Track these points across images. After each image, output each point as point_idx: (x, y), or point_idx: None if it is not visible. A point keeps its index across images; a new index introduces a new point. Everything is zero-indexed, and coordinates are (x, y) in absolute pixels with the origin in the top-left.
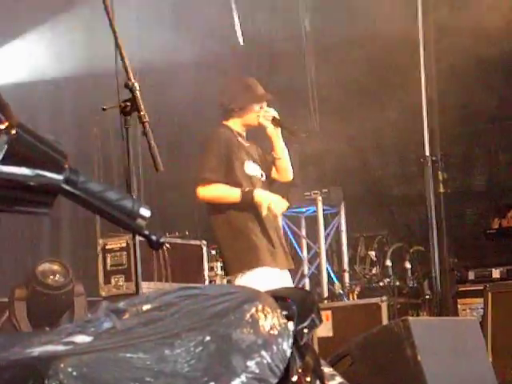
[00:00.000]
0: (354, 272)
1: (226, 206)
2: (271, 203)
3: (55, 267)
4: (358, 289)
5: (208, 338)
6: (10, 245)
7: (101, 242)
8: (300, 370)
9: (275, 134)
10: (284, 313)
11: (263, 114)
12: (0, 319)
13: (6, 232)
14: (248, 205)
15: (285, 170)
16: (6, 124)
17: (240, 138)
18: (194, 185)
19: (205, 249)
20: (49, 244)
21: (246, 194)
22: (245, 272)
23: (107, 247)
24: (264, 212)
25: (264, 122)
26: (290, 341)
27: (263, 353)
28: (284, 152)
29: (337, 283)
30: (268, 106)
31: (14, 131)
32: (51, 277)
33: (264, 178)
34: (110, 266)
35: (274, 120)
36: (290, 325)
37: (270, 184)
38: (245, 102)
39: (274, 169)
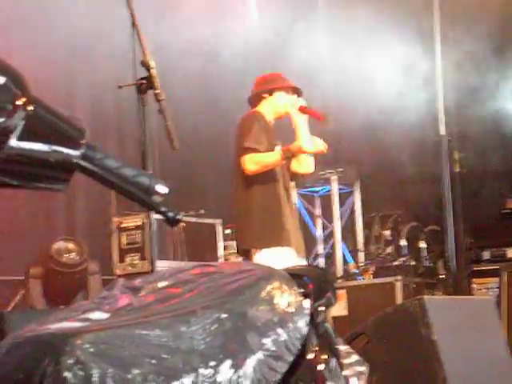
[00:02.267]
0: (368, 251)
1: (264, 185)
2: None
3: (70, 245)
4: (372, 268)
5: (224, 316)
6: (25, 223)
7: (116, 220)
8: (316, 348)
9: (300, 123)
10: (300, 290)
11: (291, 103)
12: (15, 297)
13: (21, 210)
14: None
15: (306, 161)
16: (24, 100)
17: (270, 121)
18: (238, 156)
19: (219, 228)
20: (64, 222)
21: (286, 151)
22: (271, 247)
23: (122, 226)
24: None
25: (290, 110)
26: (307, 318)
27: (279, 330)
28: (308, 143)
29: (352, 262)
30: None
31: (30, 107)
32: (66, 255)
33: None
34: (125, 244)
35: (300, 108)
36: (307, 302)
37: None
38: (273, 88)
39: (293, 161)
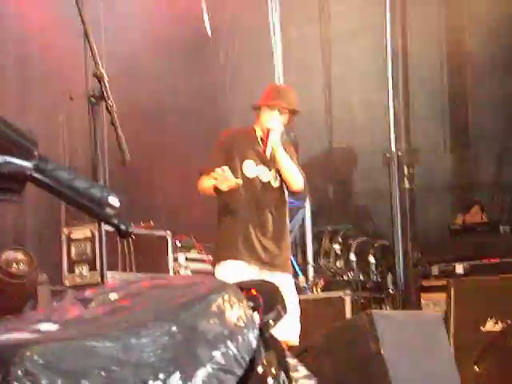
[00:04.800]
0: (318, 265)
1: (221, 202)
2: (218, 176)
3: (19, 256)
4: (322, 282)
5: (174, 328)
6: None
7: (65, 231)
8: (265, 362)
9: (271, 139)
10: (250, 304)
11: (268, 119)
12: None
13: None
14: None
15: (287, 180)
16: None
17: (259, 140)
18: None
19: (169, 239)
20: (12, 232)
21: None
22: (219, 263)
23: (72, 236)
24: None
25: (265, 128)
26: (256, 332)
27: (229, 343)
28: (282, 162)
29: (301, 276)
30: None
31: None
32: (15, 265)
33: (277, 184)
34: (74, 255)
35: (267, 130)
36: (256, 316)
37: (287, 192)
38: (257, 104)
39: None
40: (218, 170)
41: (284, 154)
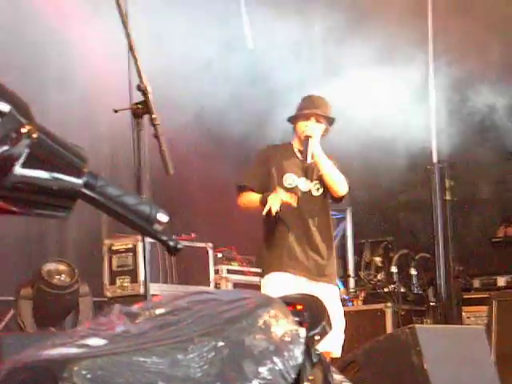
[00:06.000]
0: (359, 278)
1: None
2: (272, 200)
3: (61, 267)
4: (362, 294)
5: (221, 344)
6: (17, 243)
7: (107, 242)
8: (311, 377)
9: (311, 145)
10: (296, 319)
11: (303, 131)
12: (5, 317)
13: (12, 231)
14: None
15: (331, 186)
16: (28, 127)
17: (298, 154)
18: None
19: (211, 251)
20: (55, 244)
21: (264, 197)
22: (265, 276)
23: (113, 248)
24: (264, 211)
25: (302, 137)
26: (302, 347)
27: (275, 359)
28: (324, 167)
29: (342, 288)
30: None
31: (35, 135)
32: (57, 276)
33: (318, 193)
34: (116, 266)
35: (305, 137)
36: (302, 331)
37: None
38: (292, 119)
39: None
40: (272, 196)
41: (325, 159)
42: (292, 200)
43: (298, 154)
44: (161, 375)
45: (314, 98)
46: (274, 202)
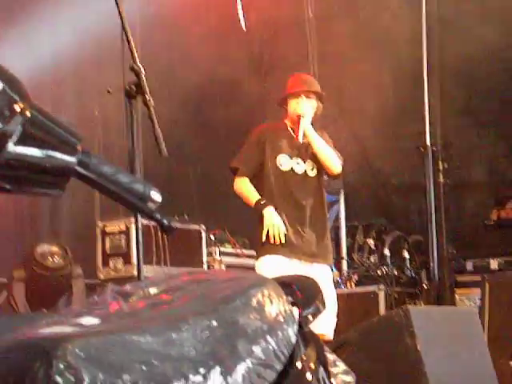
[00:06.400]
0: (352, 260)
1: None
2: (270, 226)
3: (54, 249)
4: (355, 277)
5: (214, 323)
6: (9, 225)
7: (100, 224)
8: (304, 357)
9: (302, 124)
10: (289, 299)
11: (294, 108)
12: None
13: (5, 212)
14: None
15: (325, 163)
16: (22, 105)
17: (291, 132)
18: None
19: (204, 234)
20: (48, 226)
21: (258, 206)
22: (259, 258)
23: (106, 230)
24: (263, 233)
25: (294, 116)
26: (295, 327)
27: (269, 338)
28: (316, 146)
29: (335, 271)
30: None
31: (28, 113)
32: (50, 258)
33: (313, 174)
34: (109, 248)
35: (297, 116)
36: (295, 311)
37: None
38: (282, 98)
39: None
40: (270, 223)
41: (318, 137)
42: (282, 236)
43: (291, 132)
44: (154, 354)
45: (302, 75)
46: (271, 227)
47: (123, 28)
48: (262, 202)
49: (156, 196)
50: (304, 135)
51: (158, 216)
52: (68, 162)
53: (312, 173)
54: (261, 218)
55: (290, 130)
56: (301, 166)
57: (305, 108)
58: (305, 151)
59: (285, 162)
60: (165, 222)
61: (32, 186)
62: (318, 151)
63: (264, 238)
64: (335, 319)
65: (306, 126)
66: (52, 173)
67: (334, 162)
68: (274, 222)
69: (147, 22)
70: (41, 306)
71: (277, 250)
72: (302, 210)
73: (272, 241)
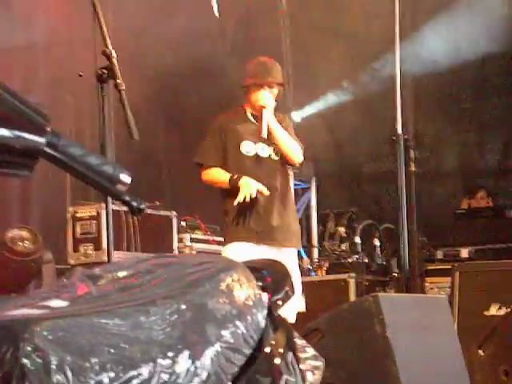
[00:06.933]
0: (322, 248)
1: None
2: (247, 187)
3: (25, 234)
4: (326, 265)
5: (183, 307)
6: None
7: (71, 209)
8: (273, 342)
9: (265, 117)
10: (259, 284)
11: (257, 99)
12: None
13: None
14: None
15: (287, 154)
16: None
17: (252, 118)
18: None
19: (174, 220)
20: (18, 210)
21: (233, 181)
22: (226, 245)
23: (77, 215)
24: (238, 199)
25: (257, 107)
26: (265, 312)
27: (238, 323)
28: (279, 138)
29: (305, 258)
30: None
31: None
32: (20, 243)
33: (278, 157)
34: (80, 234)
35: (260, 107)
36: (265, 296)
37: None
38: (245, 84)
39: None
40: (243, 182)
41: (280, 130)
42: (264, 190)
43: (252, 118)
44: (123, 337)
45: (268, 63)
46: (248, 190)
47: (94, 10)
48: (235, 177)
49: (125, 178)
50: (267, 127)
51: (127, 198)
52: (36, 143)
53: (276, 156)
54: (224, 203)
55: (249, 115)
56: (265, 151)
57: (268, 99)
58: (268, 137)
59: (249, 148)
60: (134, 203)
61: (0, 167)
62: (280, 143)
63: (236, 202)
64: (298, 303)
65: (268, 118)
66: (20, 153)
67: (295, 152)
68: (251, 184)
69: (120, 6)
70: (10, 291)
71: (244, 236)
72: (270, 194)
73: (248, 199)
